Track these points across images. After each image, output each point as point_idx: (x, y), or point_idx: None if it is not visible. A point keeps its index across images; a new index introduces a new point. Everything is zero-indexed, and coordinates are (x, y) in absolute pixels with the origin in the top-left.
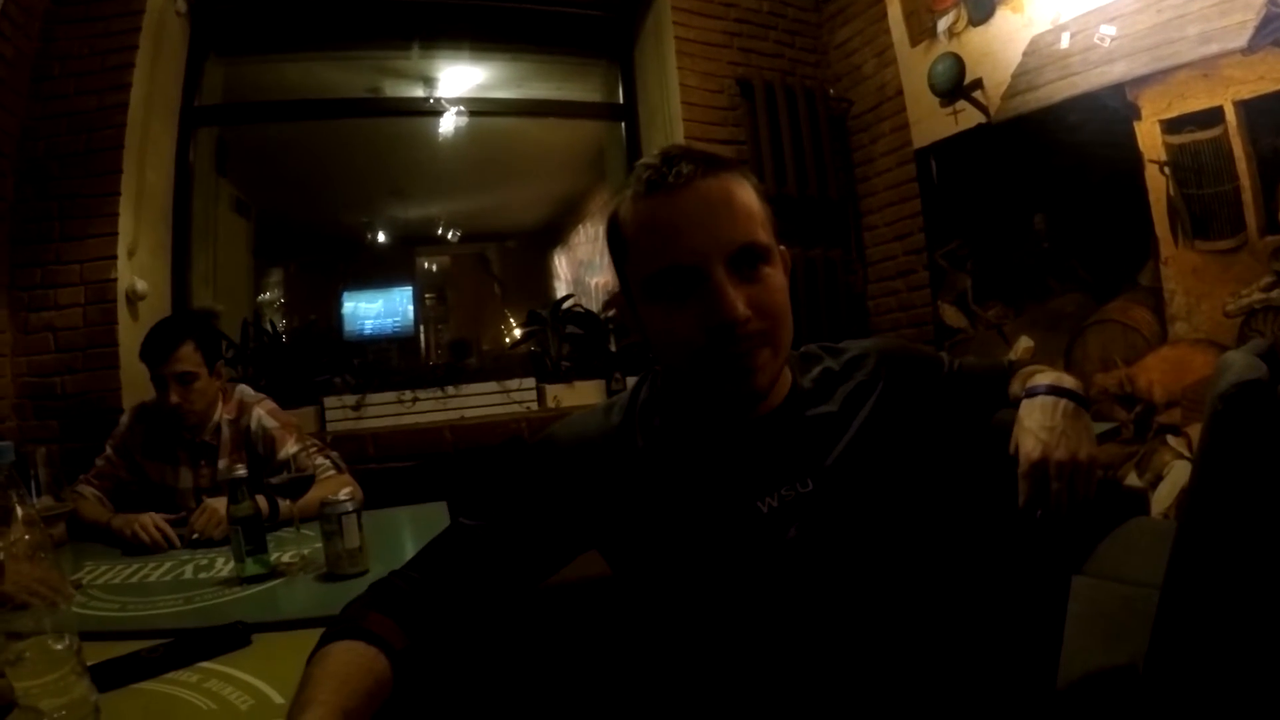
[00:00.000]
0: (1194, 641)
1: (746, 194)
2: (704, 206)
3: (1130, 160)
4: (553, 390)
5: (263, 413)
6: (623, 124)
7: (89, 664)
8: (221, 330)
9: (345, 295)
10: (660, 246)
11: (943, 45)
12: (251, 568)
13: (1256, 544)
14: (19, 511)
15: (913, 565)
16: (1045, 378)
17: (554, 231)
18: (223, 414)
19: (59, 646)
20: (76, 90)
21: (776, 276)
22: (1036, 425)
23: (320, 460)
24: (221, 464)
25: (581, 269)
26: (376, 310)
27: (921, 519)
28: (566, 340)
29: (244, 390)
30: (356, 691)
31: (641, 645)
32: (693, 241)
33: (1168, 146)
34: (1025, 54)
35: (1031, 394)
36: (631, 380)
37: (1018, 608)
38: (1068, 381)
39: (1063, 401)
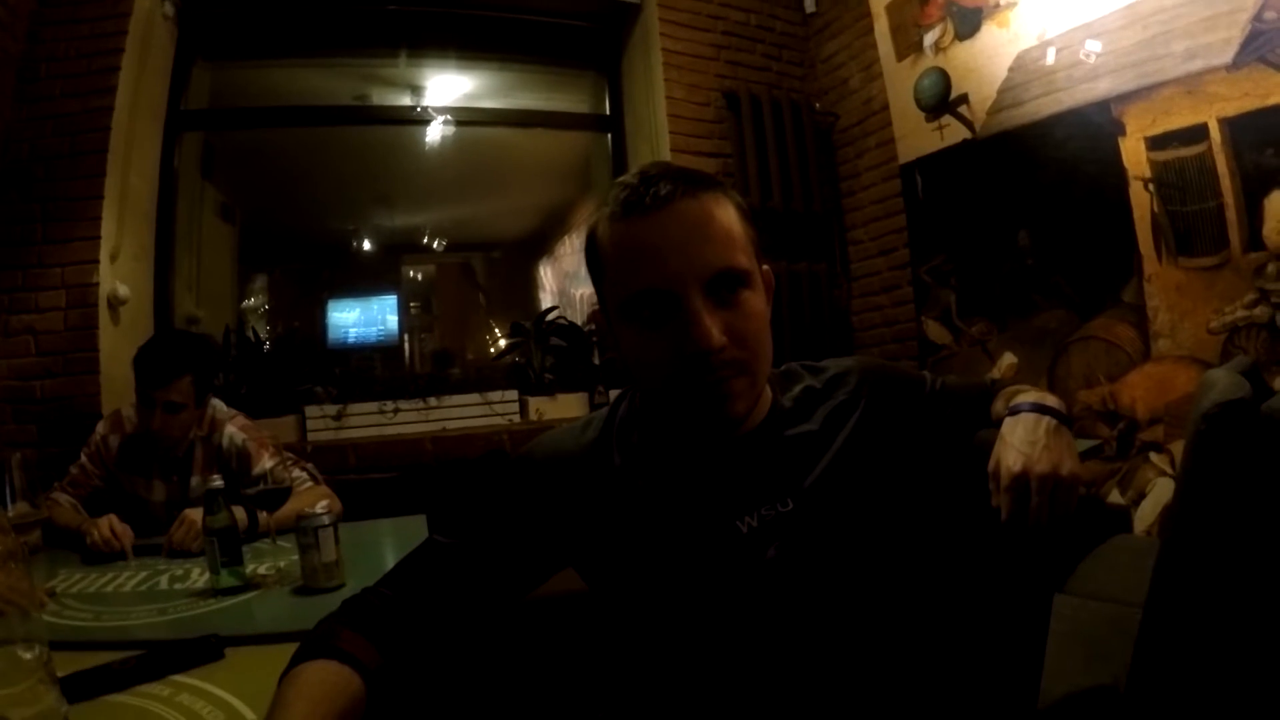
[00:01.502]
0: (1176, 661)
1: (727, 215)
2: (681, 230)
3: (1115, 177)
4: (535, 403)
5: (234, 429)
6: (609, 135)
7: (59, 674)
8: (216, 356)
9: (329, 303)
10: (635, 270)
11: (929, 60)
12: (227, 580)
13: (1239, 563)
14: None
15: (893, 586)
16: (1028, 396)
17: (539, 242)
18: (195, 431)
19: (28, 656)
20: (62, 92)
21: (755, 301)
22: (1019, 440)
23: (297, 473)
24: (194, 480)
25: (567, 280)
26: (360, 319)
27: (902, 539)
28: (550, 352)
29: (217, 406)
30: (329, 714)
31: (619, 663)
32: (668, 266)
33: (1152, 163)
34: (1011, 69)
35: (1014, 412)
36: (615, 393)
37: (999, 627)
38: (1050, 400)
39: (1045, 418)
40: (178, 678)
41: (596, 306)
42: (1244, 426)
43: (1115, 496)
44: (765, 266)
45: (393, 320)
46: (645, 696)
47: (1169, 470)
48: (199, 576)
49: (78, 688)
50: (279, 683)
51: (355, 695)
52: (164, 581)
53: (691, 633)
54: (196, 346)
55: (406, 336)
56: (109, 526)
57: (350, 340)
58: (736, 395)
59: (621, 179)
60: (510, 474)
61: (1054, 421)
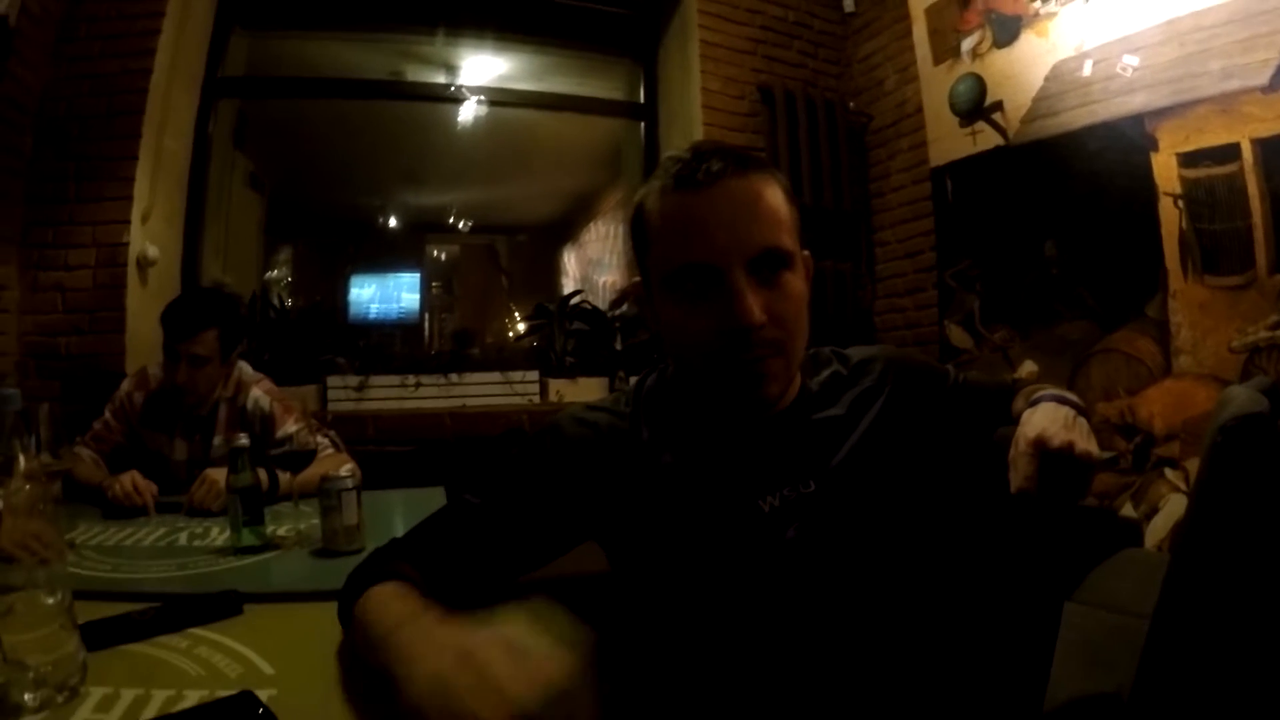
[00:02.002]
0: (1180, 674)
1: (775, 196)
2: (730, 206)
3: (1145, 191)
4: (556, 384)
5: (260, 392)
6: (642, 124)
7: (78, 622)
8: (242, 315)
9: (353, 277)
10: (682, 243)
11: (965, 65)
12: (247, 538)
13: (1249, 578)
14: (22, 462)
15: (909, 571)
16: (1050, 391)
17: (565, 227)
18: (221, 391)
19: (50, 601)
20: (101, 53)
21: (797, 284)
22: (1037, 419)
23: (320, 439)
24: (217, 440)
25: (591, 267)
26: (382, 294)
27: (920, 526)
28: (572, 336)
29: (243, 368)
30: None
31: (638, 641)
32: (715, 241)
33: (1183, 180)
34: (1047, 79)
35: (1035, 403)
36: (635, 380)
37: (1009, 629)
38: (1070, 395)
39: (1064, 407)
40: (196, 630)
41: (636, 280)
42: (1261, 441)
43: (1128, 510)
44: (805, 252)
45: (415, 297)
46: (664, 674)
47: (1183, 486)
48: (219, 535)
49: (97, 636)
50: (349, 611)
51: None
52: (183, 538)
53: (710, 610)
54: (223, 302)
55: (427, 314)
56: (131, 481)
57: (372, 315)
58: (772, 376)
59: (673, 153)
60: (541, 443)
61: (1073, 410)
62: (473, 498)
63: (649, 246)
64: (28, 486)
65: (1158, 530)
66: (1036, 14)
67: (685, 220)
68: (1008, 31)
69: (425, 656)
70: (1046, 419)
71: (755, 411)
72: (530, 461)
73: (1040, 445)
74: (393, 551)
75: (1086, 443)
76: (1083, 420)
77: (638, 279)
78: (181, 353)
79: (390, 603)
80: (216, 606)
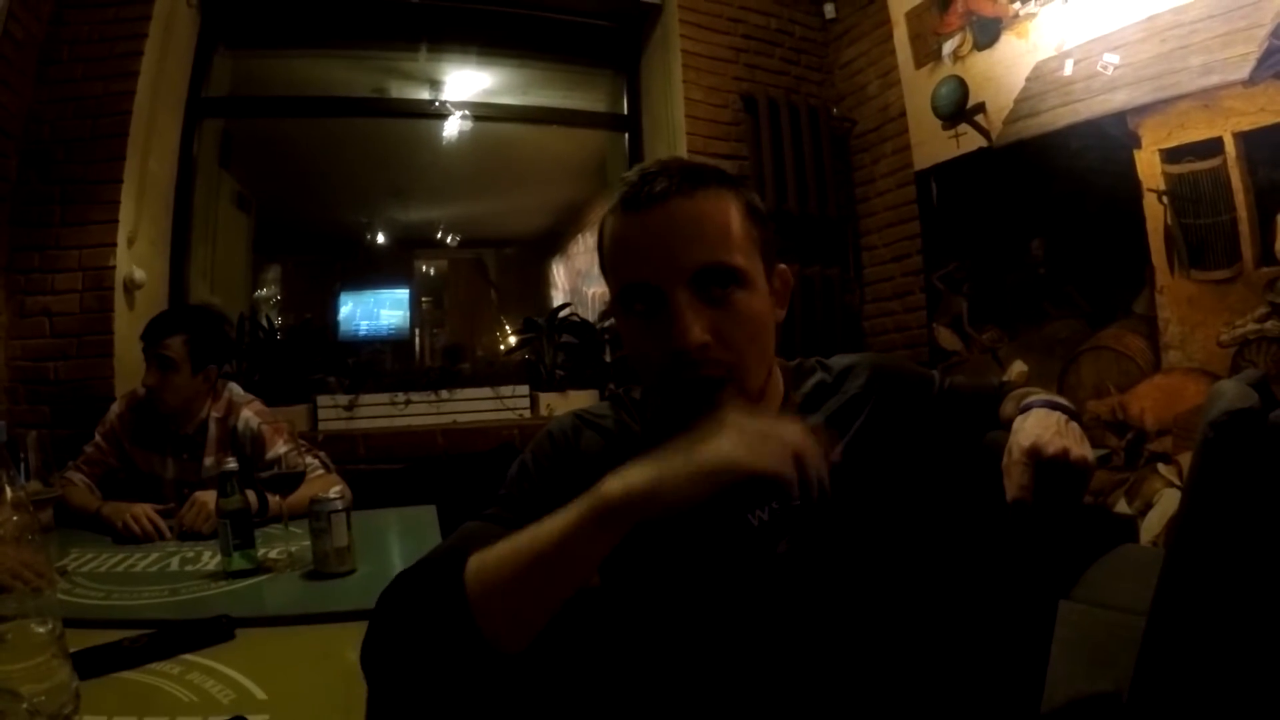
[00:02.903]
0: (1178, 670)
1: (723, 213)
2: (670, 226)
3: (1129, 188)
4: (546, 398)
5: (250, 414)
6: (626, 135)
7: (70, 651)
8: (228, 336)
9: (342, 295)
10: (626, 263)
11: (947, 68)
12: (238, 562)
13: (1244, 573)
14: (8, 493)
15: (902, 582)
16: (1040, 396)
17: (553, 240)
18: (211, 411)
19: (41, 630)
20: (84, 75)
21: (751, 302)
22: (1030, 427)
23: (310, 460)
24: (208, 461)
25: (579, 279)
26: (372, 311)
27: (911, 535)
28: (562, 349)
29: (234, 389)
30: None
31: (629, 656)
32: (653, 261)
33: (1167, 176)
34: (1028, 79)
35: (1026, 409)
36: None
37: (1004, 629)
38: (1061, 400)
39: (1056, 413)
40: (188, 656)
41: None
42: (1251, 436)
43: (1122, 506)
44: (782, 266)
45: (405, 313)
46: (655, 690)
47: (1176, 481)
48: (210, 559)
49: (89, 664)
50: (458, 600)
51: None
52: (175, 563)
53: (702, 625)
54: (196, 313)
55: (418, 330)
56: (147, 517)
57: (362, 332)
58: (723, 404)
59: (626, 174)
60: (538, 448)
61: (1065, 415)
62: (476, 520)
63: (605, 268)
64: (15, 517)
65: (1152, 526)
66: (1016, 15)
67: (628, 241)
68: (988, 33)
69: (692, 448)
70: (1039, 426)
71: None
72: (534, 466)
73: (1034, 454)
74: (430, 564)
75: (1080, 448)
76: (1075, 424)
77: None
78: (151, 356)
79: (524, 534)
80: (208, 632)
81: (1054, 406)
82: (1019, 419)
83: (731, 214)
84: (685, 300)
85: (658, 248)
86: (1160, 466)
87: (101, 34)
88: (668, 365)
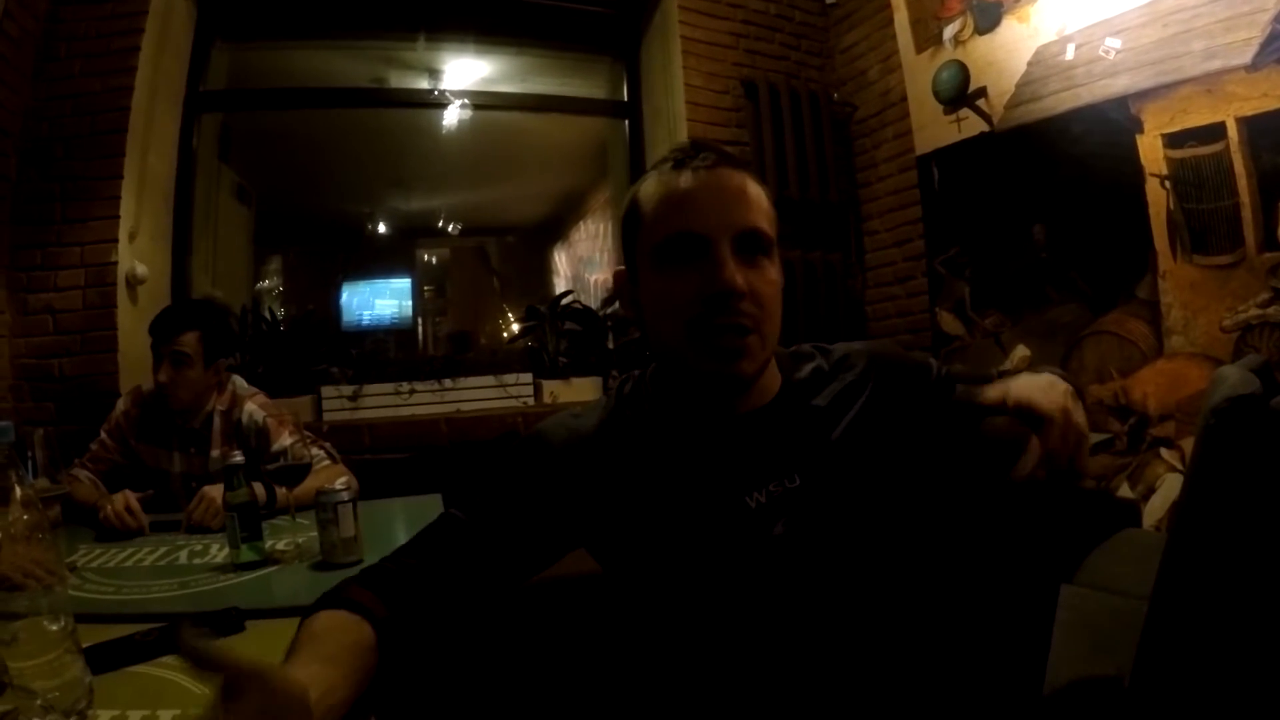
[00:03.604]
0: (1180, 654)
1: (759, 192)
2: (721, 189)
3: (1131, 173)
4: (550, 386)
5: (254, 406)
6: (626, 122)
7: (82, 646)
8: (234, 329)
9: (344, 285)
10: (675, 214)
11: (948, 53)
12: (246, 554)
13: (1245, 558)
14: (18, 492)
15: (899, 564)
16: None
17: (555, 227)
18: (216, 404)
19: (54, 627)
20: (82, 72)
21: (773, 271)
22: (1029, 379)
23: (315, 451)
24: (214, 454)
25: (581, 265)
26: (375, 301)
27: (908, 519)
28: (564, 336)
29: (238, 383)
30: (340, 645)
31: (630, 641)
32: (706, 214)
33: (1169, 160)
34: (1030, 64)
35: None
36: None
37: (1006, 612)
38: (1059, 372)
39: (1061, 381)
40: None
41: (622, 268)
42: (1253, 422)
43: (1125, 491)
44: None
45: (407, 303)
46: (655, 673)
47: (1179, 466)
48: (218, 552)
49: (101, 659)
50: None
51: (364, 638)
52: (183, 556)
53: (700, 608)
54: (206, 308)
55: (421, 319)
56: (124, 503)
57: (365, 322)
58: (748, 352)
59: (673, 146)
60: (523, 453)
61: (1069, 385)
62: (459, 512)
63: (640, 226)
64: (24, 516)
65: (1155, 510)
66: None
67: (680, 195)
68: (989, 18)
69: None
70: (1041, 381)
71: (731, 392)
72: (514, 472)
73: (1030, 410)
74: (364, 574)
75: (1081, 416)
76: (1079, 398)
77: (622, 268)
78: (164, 353)
79: (305, 642)
80: (218, 624)
81: (1056, 374)
82: (1024, 373)
83: (764, 196)
84: (729, 252)
85: (711, 201)
86: (1163, 451)
87: (98, 30)
88: (703, 310)
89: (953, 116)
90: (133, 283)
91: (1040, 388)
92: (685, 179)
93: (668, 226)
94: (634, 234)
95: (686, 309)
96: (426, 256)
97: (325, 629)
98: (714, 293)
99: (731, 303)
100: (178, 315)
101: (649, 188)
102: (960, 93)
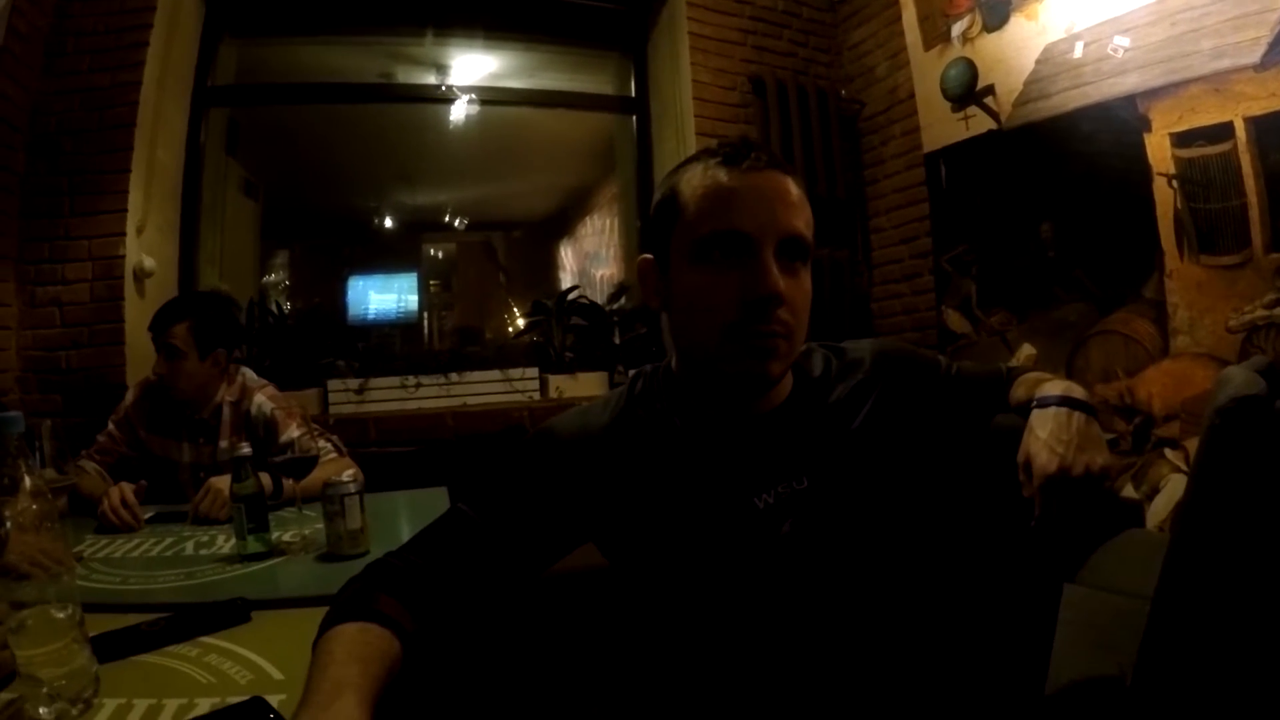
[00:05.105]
0: (1182, 654)
1: (804, 198)
2: (771, 190)
3: (1139, 172)
4: (556, 380)
5: (263, 398)
6: (634, 117)
7: (89, 635)
8: (235, 320)
9: (350, 279)
10: (722, 210)
11: (956, 50)
12: (253, 545)
13: (1248, 559)
14: (27, 482)
15: (906, 565)
16: (1055, 387)
17: (561, 222)
18: (225, 395)
19: (61, 616)
20: (90, 67)
21: (808, 280)
22: (1050, 437)
23: (322, 444)
24: (222, 444)
25: (587, 261)
26: (381, 295)
27: (916, 519)
28: (571, 331)
29: (247, 374)
30: (379, 676)
31: (638, 637)
32: (755, 214)
33: (1177, 160)
34: (1038, 62)
35: (1043, 404)
36: (634, 374)
37: (1009, 611)
38: (1077, 392)
39: (1076, 414)
40: (205, 639)
41: (648, 256)
42: (1258, 423)
43: (1129, 491)
44: None
45: (413, 297)
46: (663, 669)
47: (1183, 466)
48: (225, 542)
49: (107, 648)
50: (316, 643)
51: (395, 659)
52: (190, 547)
53: (707, 607)
54: (199, 299)
55: (427, 313)
56: (119, 497)
57: (371, 316)
58: (779, 356)
59: (723, 140)
60: (534, 449)
61: (1084, 416)
62: (467, 507)
63: (679, 218)
64: (34, 505)
65: (1159, 511)
66: None
67: (729, 192)
68: (997, 15)
69: None
70: (1058, 440)
71: (755, 393)
72: (523, 467)
73: (1057, 482)
74: (382, 574)
75: (1102, 458)
76: (1094, 424)
77: (648, 256)
78: (158, 346)
79: (343, 660)
80: (225, 615)
81: (1072, 404)
82: (1037, 416)
83: (807, 203)
84: (772, 257)
85: (761, 202)
86: (1167, 451)
87: (107, 25)
88: (742, 315)
89: (960, 114)
90: (140, 276)
91: (1045, 443)
92: (737, 176)
93: (714, 222)
94: (669, 224)
95: (725, 310)
96: (433, 251)
97: (363, 648)
98: (756, 298)
99: (771, 308)
100: (170, 308)
101: (693, 179)
102: (968, 90)
